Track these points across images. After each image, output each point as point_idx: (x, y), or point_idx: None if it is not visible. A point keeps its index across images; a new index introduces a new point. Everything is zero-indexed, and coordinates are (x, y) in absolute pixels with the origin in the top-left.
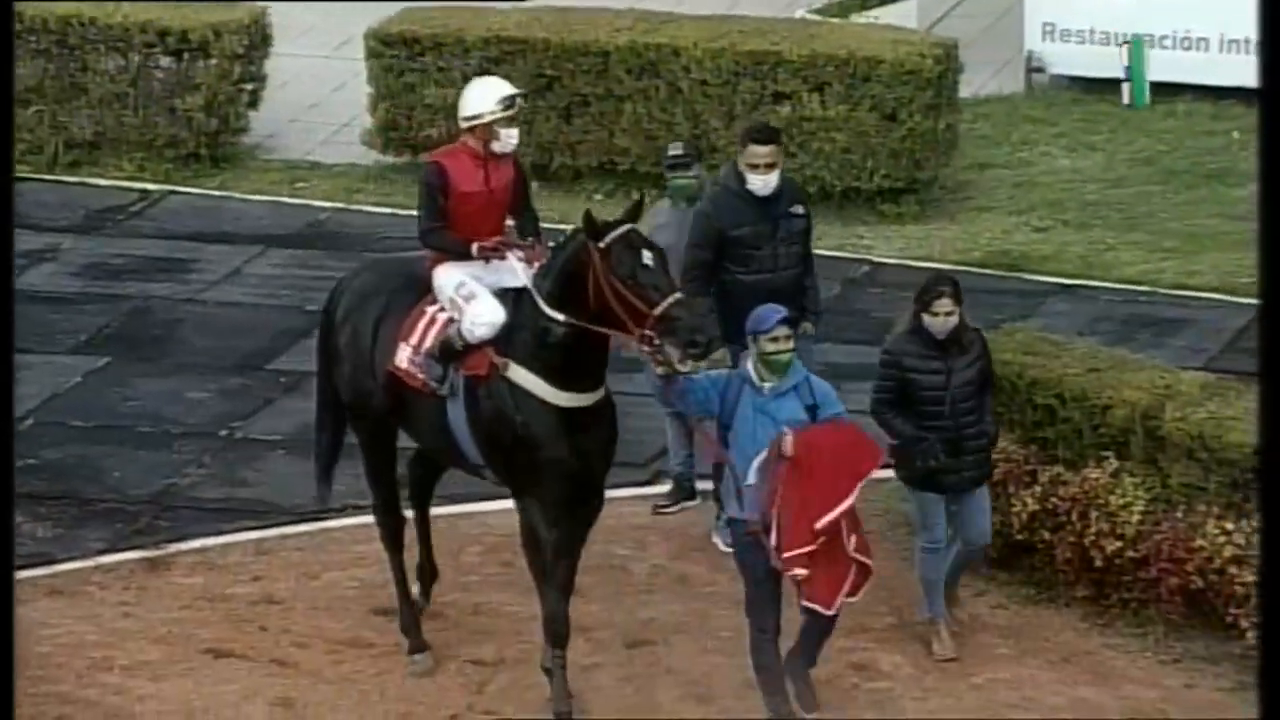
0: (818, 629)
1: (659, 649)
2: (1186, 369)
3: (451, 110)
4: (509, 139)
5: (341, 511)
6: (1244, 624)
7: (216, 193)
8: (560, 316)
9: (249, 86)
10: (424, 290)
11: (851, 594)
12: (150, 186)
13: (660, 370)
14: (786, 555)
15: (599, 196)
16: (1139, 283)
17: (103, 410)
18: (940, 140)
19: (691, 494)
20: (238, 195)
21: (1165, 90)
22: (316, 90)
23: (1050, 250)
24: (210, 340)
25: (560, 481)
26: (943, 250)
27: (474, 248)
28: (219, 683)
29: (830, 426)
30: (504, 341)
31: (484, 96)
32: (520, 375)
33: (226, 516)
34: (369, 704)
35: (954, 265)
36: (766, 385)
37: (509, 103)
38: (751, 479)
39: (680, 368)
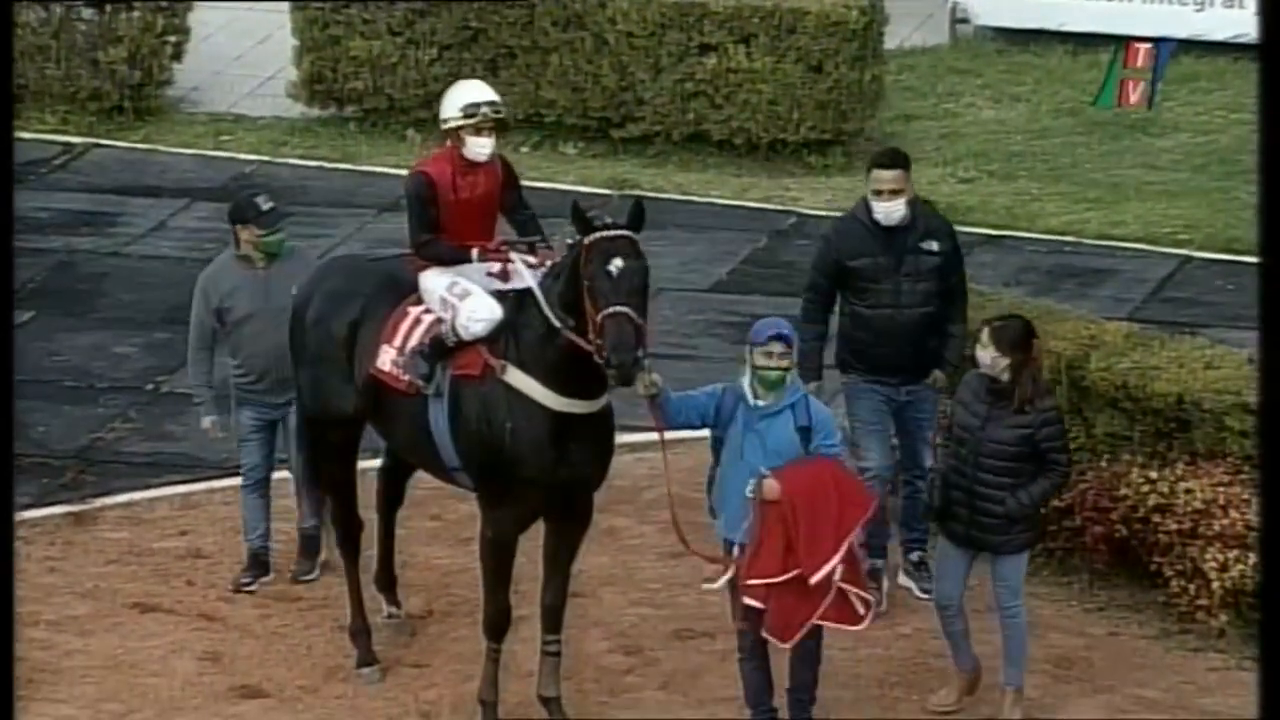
0: (803, 671)
1: (586, 601)
2: (1111, 319)
3: (376, 61)
4: (477, 148)
5: None
6: (1167, 572)
7: (141, 146)
8: (556, 322)
9: (173, 39)
10: (404, 292)
11: (834, 620)
12: (74, 140)
13: (641, 387)
14: (748, 582)
15: (525, 149)
16: (1064, 233)
17: (28, 365)
18: (866, 92)
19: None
20: (162, 148)
21: (1089, 41)
22: (241, 42)
23: (976, 201)
24: (136, 294)
25: (538, 494)
26: None
27: (474, 251)
28: (146, 637)
29: (818, 465)
30: (502, 343)
31: (452, 102)
32: (518, 379)
33: (153, 471)
34: (297, 657)
35: None
36: (760, 403)
37: (472, 110)
38: (735, 504)
39: (610, 381)
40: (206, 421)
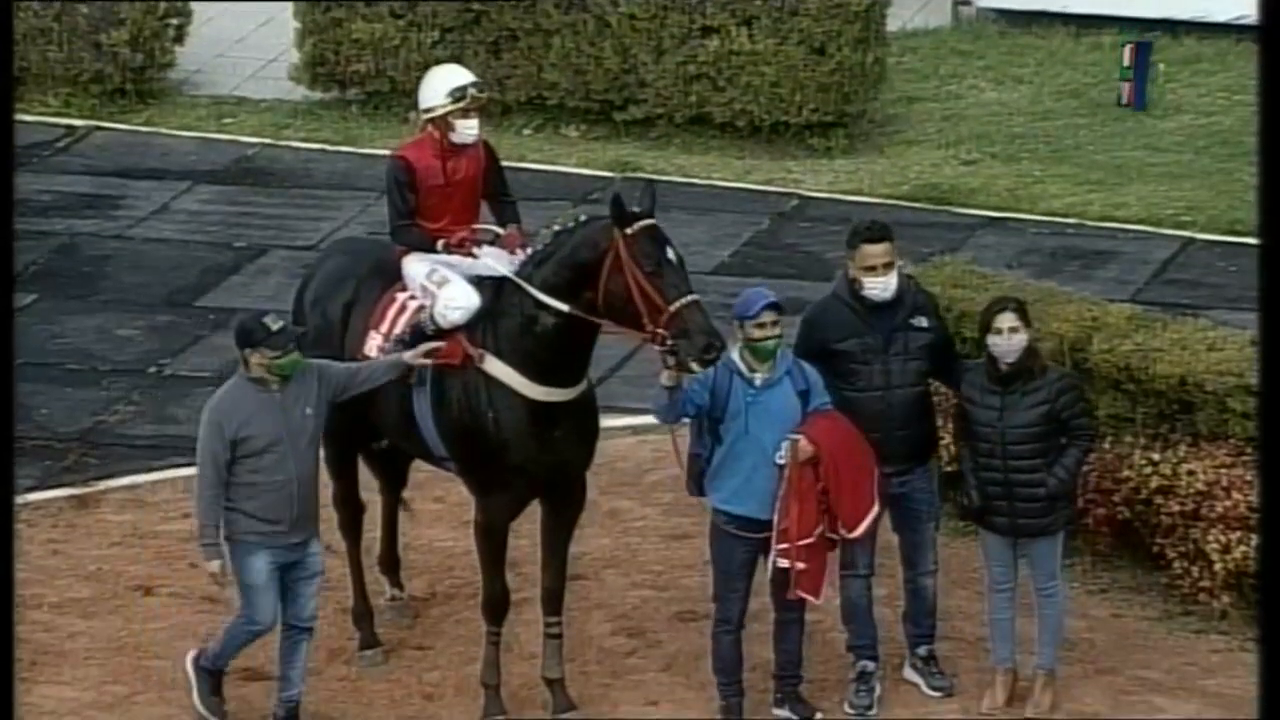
0: (795, 629)
1: (589, 583)
2: (1113, 301)
3: (378, 44)
4: (466, 130)
5: None
6: (1169, 554)
7: (143, 128)
8: (563, 306)
9: (175, 21)
10: (394, 276)
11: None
12: (76, 122)
13: (666, 377)
14: (782, 547)
15: (527, 131)
16: (1066, 215)
17: (30, 348)
18: (868, 74)
19: None
20: (165, 131)
21: (1091, 22)
22: (243, 25)
23: (978, 183)
24: (138, 277)
25: (525, 480)
26: (871, 184)
27: (439, 244)
28: (149, 620)
29: (832, 419)
30: (481, 332)
31: (435, 89)
32: (496, 367)
33: (156, 453)
34: None
35: (883, 199)
36: (758, 376)
37: (459, 94)
38: (741, 478)
39: (694, 368)
40: (215, 565)
